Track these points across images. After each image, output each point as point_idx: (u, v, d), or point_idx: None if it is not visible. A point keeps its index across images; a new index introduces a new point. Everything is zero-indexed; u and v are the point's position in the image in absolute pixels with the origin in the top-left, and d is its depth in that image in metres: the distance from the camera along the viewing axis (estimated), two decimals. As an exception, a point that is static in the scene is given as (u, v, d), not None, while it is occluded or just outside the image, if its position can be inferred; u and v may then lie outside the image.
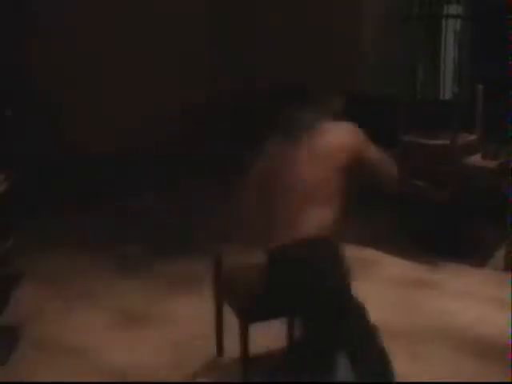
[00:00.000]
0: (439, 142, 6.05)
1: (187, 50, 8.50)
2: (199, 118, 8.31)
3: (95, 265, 5.97)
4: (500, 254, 5.98)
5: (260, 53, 8.30)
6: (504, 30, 6.57)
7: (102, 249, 6.31)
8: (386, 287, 5.51)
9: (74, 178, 7.59)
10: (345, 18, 7.63)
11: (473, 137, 6.15)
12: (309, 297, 3.44)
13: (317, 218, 3.49)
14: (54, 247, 6.35)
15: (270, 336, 4.33)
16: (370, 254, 6.22)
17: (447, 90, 7.61)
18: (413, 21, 7.43)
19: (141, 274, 5.75)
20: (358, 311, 3.50)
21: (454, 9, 7.54)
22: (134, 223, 7.05)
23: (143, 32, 8.19)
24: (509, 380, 4.00)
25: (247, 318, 3.82)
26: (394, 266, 5.95)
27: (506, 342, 4.54)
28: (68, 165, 7.63)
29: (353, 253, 6.12)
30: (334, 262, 3.51)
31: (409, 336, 4.69)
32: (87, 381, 4.13)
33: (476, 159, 5.97)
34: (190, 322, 4.83)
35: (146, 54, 8.23)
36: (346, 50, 7.62)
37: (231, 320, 3.99)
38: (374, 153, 3.73)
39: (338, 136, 3.65)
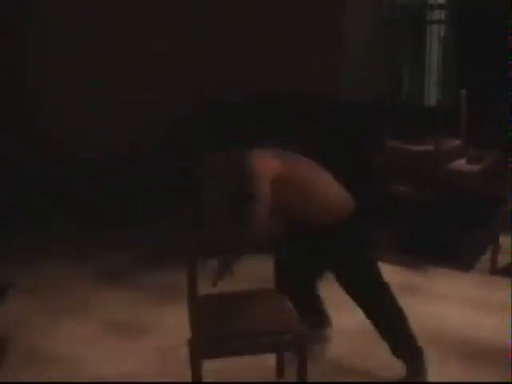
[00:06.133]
0: (423, 147, 6.07)
1: (175, 62, 8.50)
2: (186, 130, 8.30)
3: (81, 276, 5.95)
4: (486, 258, 6.01)
5: (244, 62, 8.30)
6: (487, 35, 6.61)
7: (89, 260, 6.30)
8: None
9: (61, 189, 7.57)
10: (327, 25, 7.63)
11: (457, 142, 6.17)
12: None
13: None
14: (40, 259, 6.32)
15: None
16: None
17: (432, 95, 7.64)
18: (396, 26, 7.44)
19: (126, 285, 5.74)
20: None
21: (437, 14, 7.56)
22: (120, 235, 7.03)
23: (133, 41, 8.21)
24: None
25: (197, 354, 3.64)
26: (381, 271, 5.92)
27: (494, 345, 4.57)
28: (54, 173, 7.62)
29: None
30: None
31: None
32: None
33: (460, 164, 5.99)
34: (176, 332, 4.81)
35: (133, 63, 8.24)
36: (330, 57, 7.62)
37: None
38: None
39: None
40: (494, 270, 5.84)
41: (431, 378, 4.20)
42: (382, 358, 4.39)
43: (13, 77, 7.68)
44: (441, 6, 7.51)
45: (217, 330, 3.63)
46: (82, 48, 7.98)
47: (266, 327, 3.63)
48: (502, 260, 5.94)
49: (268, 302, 3.92)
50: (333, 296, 5.29)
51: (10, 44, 7.70)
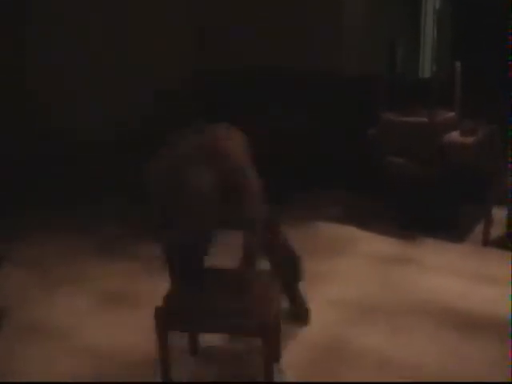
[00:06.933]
0: (418, 119, 6.04)
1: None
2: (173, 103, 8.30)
3: (77, 249, 6.00)
4: (479, 229, 5.99)
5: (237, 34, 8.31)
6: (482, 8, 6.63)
7: (84, 233, 6.38)
8: (368, 263, 5.49)
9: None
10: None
11: (451, 114, 6.14)
12: None
13: None
14: (36, 233, 6.41)
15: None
16: (351, 231, 6.23)
17: (426, 67, 7.61)
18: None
19: (121, 257, 5.76)
20: None
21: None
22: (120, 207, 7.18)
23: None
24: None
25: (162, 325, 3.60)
26: (375, 243, 5.95)
27: (487, 316, 4.53)
28: (53, 152, 7.65)
29: (335, 230, 6.19)
30: None
31: (390, 310, 4.65)
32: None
33: (454, 136, 5.96)
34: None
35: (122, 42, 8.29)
36: (327, 30, 7.59)
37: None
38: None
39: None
40: (487, 242, 5.82)
41: (424, 345, 4.18)
42: (371, 329, 4.39)
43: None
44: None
45: (182, 304, 3.57)
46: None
47: (231, 308, 3.47)
48: (495, 232, 5.92)
49: (252, 283, 3.66)
50: (324, 270, 5.29)
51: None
